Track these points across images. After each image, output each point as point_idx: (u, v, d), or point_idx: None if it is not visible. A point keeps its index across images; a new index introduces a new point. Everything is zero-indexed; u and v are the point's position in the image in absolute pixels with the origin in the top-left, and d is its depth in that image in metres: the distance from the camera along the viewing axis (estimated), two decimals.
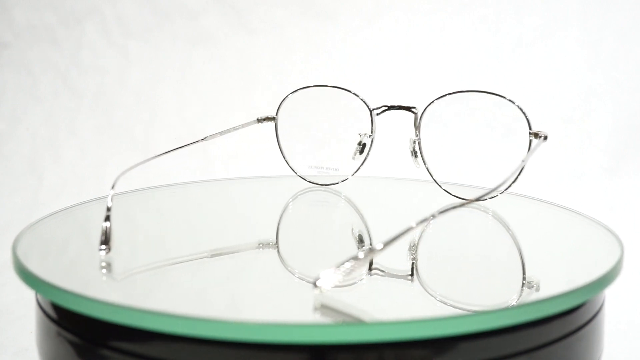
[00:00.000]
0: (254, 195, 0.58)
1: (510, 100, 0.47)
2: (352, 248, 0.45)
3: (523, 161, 0.44)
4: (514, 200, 0.51)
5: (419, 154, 0.50)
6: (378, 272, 0.40)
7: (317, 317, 0.34)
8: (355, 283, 0.39)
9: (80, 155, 0.88)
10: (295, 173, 0.55)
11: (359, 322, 0.35)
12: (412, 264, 0.42)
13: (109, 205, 0.43)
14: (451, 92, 0.49)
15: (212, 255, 0.44)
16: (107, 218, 0.43)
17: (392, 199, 0.56)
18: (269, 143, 0.57)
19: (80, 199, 0.58)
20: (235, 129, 0.54)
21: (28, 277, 0.38)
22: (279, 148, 0.55)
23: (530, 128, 0.46)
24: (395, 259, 0.42)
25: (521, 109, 0.46)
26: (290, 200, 0.54)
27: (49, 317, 0.39)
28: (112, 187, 0.44)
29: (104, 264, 0.41)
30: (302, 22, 0.88)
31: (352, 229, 0.48)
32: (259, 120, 0.54)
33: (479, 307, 0.38)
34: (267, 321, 0.33)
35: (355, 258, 0.35)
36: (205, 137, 0.53)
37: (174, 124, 0.88)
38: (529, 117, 0.46)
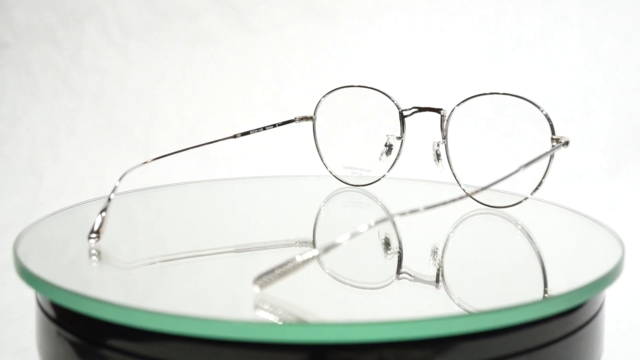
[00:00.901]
0: (284, 194, 0.58)
1: (534, 104, 0.46)
2: (380, 250, 0.45)
3: (522, 166, 0.43)
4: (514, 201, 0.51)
5: (443, 157, 0.49)
6: (407, 276, 0.40)
7: (256, 315, 0.35)
8: (381, 287, 0.39)
9: (80, 155, 0.88)
10: (331, 173, 0.54)
11: (297, 321, 0.35)
12: (438, 269, 0.42)
13: (111, 197, 0.43)
14: (476, 94, 0.48)
15: (238, 251, 0.44)
16: (104, 209, 0.43)
17: (422, 201, 0.55)
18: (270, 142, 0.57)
19: (80, 199, 0.58)
20: (272, 126, 0.53)
21: (28, 276, 0.38)
22: (316, 147, 0.54)
23: (553, 133, 0.45)
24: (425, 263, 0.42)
25: (544, 113, 0.45)
26: (325, 200, 0.53)
27: (49, 317, 0.39)
28: (120, 179, 0.45)
29: (109, 261, 0.41)
30: (302, 22, 0.88)
31: (379, 232, 0.47)
32: (298, 120, 0.54)
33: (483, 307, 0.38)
34: (266, 321, 0.33)
35: (293, 260, 0.35)
36: (236, 135, 0.52)
37: (174, 124, 0.88)
38: (552, 122, 0.45)
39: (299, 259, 0.35)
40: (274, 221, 0.51)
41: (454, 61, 0.85)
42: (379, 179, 0.53)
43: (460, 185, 0.49)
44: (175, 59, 0.90)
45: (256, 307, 0.35)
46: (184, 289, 0.40)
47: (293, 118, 0.54)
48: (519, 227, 0.47)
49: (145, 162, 0.50)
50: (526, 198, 0.47)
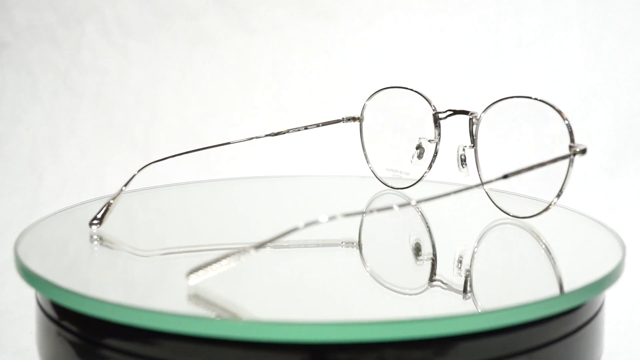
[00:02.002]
0: (327, 194, 0.57)
1: (557, 110, 0.44)
2: (414, 255, 0.45)
3: (522, 169, 0.43)
4: (516, 201, 0.51)
5: (467, 161, 0.48)
6: (440, 284, 0.40)
7: (190, 308, 0.36)
8: (415, 293, 0.38)
9: (80, 155, 0.88)
10: (375, 175, 0.54)
11: (231, 317, 0.35)
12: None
13: (123, 188, 0.45)
14: (504, 97, 0.46)
15: (274, 247, 0.44)
16: (114, 198, 0.44)
17: (456, 206, 0.54)
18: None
19: (80, 199, 0.57)
20: (316, 126, 0.53)
21: (29, 276, 0.38)
22: (362, 148, 0.54)
23: (572, 141, 0.43)
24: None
25: (567, 122, 0.44)
26: (369, 202, 0.53)
27: (49, 317, 0.39)
28: (139, 170, 0.45)
29: (123, 249, 0.41)
30: (302, 22, 0.88)
31: (410, 237, 0.47)
32: (344, 120, 0.53)
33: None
34: (266, 320, 0.33)
35: (227, 256, 0.36)
36: (277, 133, 0.52)
37: (174, 124, 0.88)
38: (572, 129, 0.44)
39: (232, 257, 0.36)
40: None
41: (454, 61, 0.85)
42: (415, 183, 0.52)
43: (485, 190, 0.47)
44: (175, 59, 0.90)
45: (190, 299, 0.36)
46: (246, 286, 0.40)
47: (340, 118, 0.53)
48: (531, 232, 0.47)
49: (167, 157, 0.50)
50: (548, 207, 0.45)
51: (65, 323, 0.38)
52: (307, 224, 0.37)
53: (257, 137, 0.53)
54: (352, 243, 0.46)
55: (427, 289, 0.39)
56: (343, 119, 0.54)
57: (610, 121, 0.81)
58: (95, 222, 0.46)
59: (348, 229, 0.48)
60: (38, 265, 0.39)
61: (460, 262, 0.43)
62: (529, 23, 0.84)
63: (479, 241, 0.46)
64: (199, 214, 0.53)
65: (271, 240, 0.37)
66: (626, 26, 0.82)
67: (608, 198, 0.78)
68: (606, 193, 0.79)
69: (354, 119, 0.54)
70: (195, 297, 0.36)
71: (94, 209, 0.48)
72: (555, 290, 0.39)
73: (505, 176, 0.41)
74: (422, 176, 0.51)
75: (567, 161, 0.43)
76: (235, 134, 0.87)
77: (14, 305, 0.67)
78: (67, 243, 0.46)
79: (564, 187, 0.44)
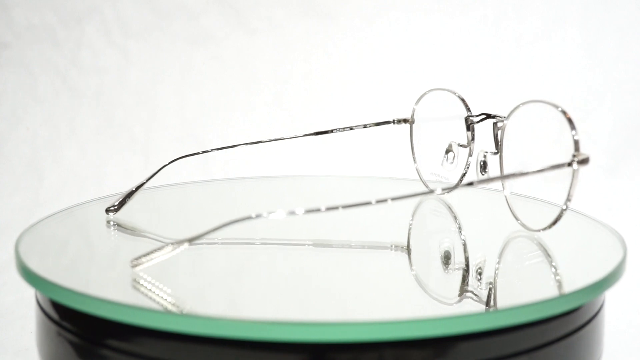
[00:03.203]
0: (368, 195, 0.57)
1: (567, 118, 0.42)
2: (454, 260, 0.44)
3: (510, 174, 0.42)
4: (517, 201, 0.51)
5: (489, 168, 0.46)
6: (472, 296, 0.39)
7: (132, 293, 0.37)
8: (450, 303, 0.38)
9: (80, 155, 0.88)
10: (420, 178, 0.53)
11: (166, 308, 0.36)
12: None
13: (147, 179, 0.47)
14: (526, 101, 0.45)
15: (316, 245, 0.45)
16: (140, 185, 0.44)
17: (493, 211, 0.53)
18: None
19: (80, 199, 0.58)
20: (363, 127, 0.52)
21: (30, 276, 0.38)
22: (412, 151, 0.53)
23: (576, 149, 0.41)
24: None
25: (574, 134, 0.42)
26: (416, 207, 0.52)
27: (49, 317, 0.39)
28: (171, 162, 0.48)
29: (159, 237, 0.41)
30: (302, 22, 0.88)
31: (440, 244, 0.46)
32: (396, 122, 0.52)
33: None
34: (266, 319, 0.33)
35: (165, 246, 0.38)
36: (320, 132, 0.51)
37: (174, 124, 0.88)
38: (577, 139, 0.42)
39: (169, 247, 0.38)
40: (362, 221, 0.50)
41: (453, 61, 0.85)
42: (453, 188, 0.50)
43: (505, 197, 0.46)
44: (175, 59, 0.90)
45: (133, 285, 0.38)
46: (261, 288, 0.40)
47: (390, 120, 0.52)
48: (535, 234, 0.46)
49: (195, 154, 0.50)
50: (561, 214, 0.44)
51: (65, 323, 0.38)
52: (242, 219, 0.38)
53: (298, 137, 0.52)
54: (402, 247, 0.45)
55: (457, 300, 0.39)
56: (394, 120, 0.52)
57: (611, 121, 0.81)
58: (112, 208, 0.47)
59: (395, 232, 0.48)
60: (38, 265, 0.39)
61: (478, 272, 0.43)
62: (529, 23, 0.84)
63: (500, 252, 0.45)
64: (198, 213, 0.53)
65: (206, 233, 0.38)
66: (626, 26, 0.82)
67: (607, 199, 0.78)
68: (606, 194, 0.79)
69: (404, 121, 0.52)
70: (136, 285, 0.38)
71: (94, 209, 0.48)
72: (556, 291, 0.39)
73: (470, 183, 0.40)
74: (458, 183, 0.49)
75: (570, 170, 0.42)
76: (235, 134, 0.87)
77: (14, 305, 0.67)
78: (68, 243, 0.46)
79: (569, 196, 0.42)
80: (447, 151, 0.50)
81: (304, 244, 0.46)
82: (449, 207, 0.51)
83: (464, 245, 0.47)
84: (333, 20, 0.87)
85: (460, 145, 0.49)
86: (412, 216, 0.51)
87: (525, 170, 0.41)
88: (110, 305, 0.35)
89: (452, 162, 0.50)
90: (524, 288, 0.40)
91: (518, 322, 0.34)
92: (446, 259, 0.44)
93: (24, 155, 0.89)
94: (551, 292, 0.39)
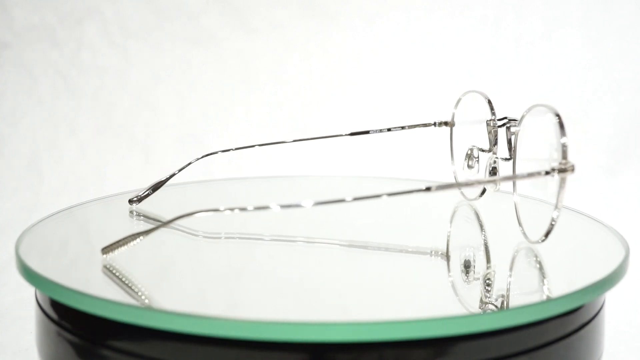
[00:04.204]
0: (402, 199, 0.55)
1: (561, 126, 0.40)
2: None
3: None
4: (534, 206, 0.50)
5: (499, 174, 0.45)
6: (493, 307, 0.39)
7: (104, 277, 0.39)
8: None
9: (80, 155, 0.88)
10: (456, 181, 0.51)
11: (135, 294, 0.37)
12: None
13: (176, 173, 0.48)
14: (535, 105, 0.43)
15: (349, 246, 0.45)
16: (167, 180, 0.47)
17: (544, 227, 0.52)
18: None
19: (80, 199, 0.58)
20: (401, 128, 0.51)
21: (30, 275, 0.38)
22: (451, 154, 0.52)
23: (563, 157, 0.39)
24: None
25: (563, 141, 0.40)
26: (453, 212, 0.51)
27: (49, 317, 0.39)
28: (200, 158, 0.49)
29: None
30: (302, 22, 0.88)
31: (461, 252, 0.45)
32: (437, 124, 0.51)
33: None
34: (266, 319, 0.33)
35: (134, 235, 0.40)
36: (356, 133, 0.50)
37: (174, 124, 0.88)
38: (565, 146, 0.39)
39: (138, 234, 0.40)
40: (395, 224, 0.50)
41: (453, 61, 0.85)
42: (482, 193, 0.49)
43: (515, 203, 0.45)
44: (175, 59, 0.90)
45: (104, 271, 0.39)
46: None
47: (432, 122, 0.51)
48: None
49: (225, 150, 0.50)
50: (552, 226, 0.42)
51: (65, 323, 0.38)
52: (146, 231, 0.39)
53: (336, 136, 0.51)
54: (442, 254, 0.44)
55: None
56: (435, 123, 0.51)
57: (611, 121, 0.81)
58: (135, 199, 0.48)
59: (421, 236, 0.47)
60: (38, 264, 0.39)
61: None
62: (529, 22, 0.84)
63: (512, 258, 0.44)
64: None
65: (172, 221, 0.40)
66: (626, 26, 0.82)
67: (607, 199, 0.78)
68: (606, 194, 0.79)
69: (445, 123, 0.51)
70: (108, 273, 0.39)
71: (94, 209, 0.48)
72: (556, 292, 0.39)
73: (428, 188, 0.39)
74: (483, 191, 0.48)
75: (558, 178, 0.40)
76: (235, 134, 0.87)
77: (14, 305, 0.67)
78: (68, 243, 0.46)
79: (557, 204, 0.40)
80: (468, 156, 0.48)
81: (302, 242, 0.46)
82: (477, 213, 0.50)
83: (483, 249, 0.46)
84: (333, 20, 0.87)
85: (482, 150, 0.48)
86: (421, 218, 0.51)
87: (507, 176, 0.41)
88: (110, 305, 0.35)
89: (473, 167, 0.48)
90: (525, 288, 0.40)
91: (518, 323, 0.34)
92: (466, 267, 0.43)
93: (24, 155, 0.89)
94: (552, 292, 0.39)
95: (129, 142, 0.88)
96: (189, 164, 0.50)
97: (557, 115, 0.40)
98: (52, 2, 0.92)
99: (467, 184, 0.43)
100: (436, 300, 0.38)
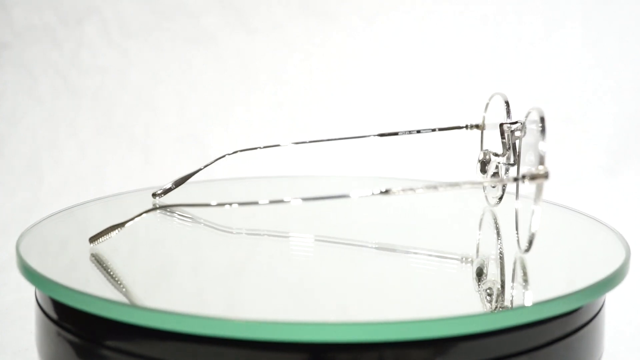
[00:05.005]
0: (421, 202, 0.55)
1: (542, 133, 0.39)
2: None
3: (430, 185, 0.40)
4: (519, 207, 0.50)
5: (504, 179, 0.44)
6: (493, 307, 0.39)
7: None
8: None
9: (80, 155, 0.88)
10: (482, 185, 0.50)
11: (116, 281, 0.38)
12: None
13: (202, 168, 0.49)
14: (533, 108, 0.41)
15: (380, 249, 0.45)
16: (191, 175, 0.48)
17: (545, 227, 0.51)
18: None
19: (80, 199, 0.57)
20: (432, 130, 0.50)
21: (31, 274, 0.38)
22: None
23: (540, 163, 0.38)
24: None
25: (541, 149, 0.39)
26: (481, 216, 0.51)
27: (49, 317, 0.39)
28: (227, 155, 0.50)
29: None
30: (302, 22, 0.88)
31: (474, 259, 0.45)
32: (469, 127, 0.49)
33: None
34: (266, 320, 0.33)
35: (118, 224, 0.42)
36: (386, 134, 0.50)
37: (174, 124, 0.88)
38: (544, 156, 0.38)
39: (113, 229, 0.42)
40: (394, 225, 0.50)
41: (453, 61, 0.85)
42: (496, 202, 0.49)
43: (515, 210, 0.43)
44: (175, 59, 0.90)
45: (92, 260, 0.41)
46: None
47: (463, 125, 0.49)
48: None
49: (254, 148, 0.51)
50: (532, 237, 0.41)
51: (65, 323, 0.38)
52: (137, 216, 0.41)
53: (364, 136, 0.51)
54: (471, 260, 0.43)
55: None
56: (466, 126, 0.50)
57: (611, 121, 0.81)
58: (159, 192, 0.49)
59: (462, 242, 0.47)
60: (39, 264, 0.39)
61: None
62: (529, 22, 0.84)
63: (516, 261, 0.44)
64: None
65: (136, 217, 0.41)
66: (626, 26, 0.82)
67: (607, 199, 0.78)
68: (606, 194, 0.79)
69: (476, 126, 0.50)
70: (96, 262, 0.40)
71: (94, 209, 0.48)
72: (557, 292, 0.39)
73: (386, 191, 0.38)
74: (502, 195, 0.48)
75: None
76: (235, 134, 0.87)
77: (14, 305, 0.67)
78: (68, 243, 0.46)
79: (534, 211, 0.39)
80: (482, 162, 0.47)
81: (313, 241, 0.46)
82: (495, 217, 0.50)
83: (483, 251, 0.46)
84: (333, 20, 0.87)
85: (495, 155, 0.47)
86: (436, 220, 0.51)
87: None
88: (110, 305, 0.35)
89: (487, 172, 0.47)
90: (526, 288, 0.40)
91: (518, 323, 0.34)
92: (479, 274, 0.42)
93: (24, 155, 0.89)
94: (552, 292, 0.39)
95: (129, 142, 0.88)
96: (215, 160, 0.50)
97: (542, 119, 0.39)
98: (52, 2, 0.92)
99: (429, 187, 0.41)
100: (436, 301, 0.38)
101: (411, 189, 0.39)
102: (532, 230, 0.39)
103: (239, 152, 0.51)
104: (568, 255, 0.44)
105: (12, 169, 0.88)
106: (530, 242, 0.40)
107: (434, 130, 0.50)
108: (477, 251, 0.46)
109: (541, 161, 0.38)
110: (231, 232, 0.47)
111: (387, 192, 0.38)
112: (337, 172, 0.83)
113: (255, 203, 0.40)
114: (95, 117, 0.90)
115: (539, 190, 0.38)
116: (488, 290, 0.40)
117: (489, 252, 0.46)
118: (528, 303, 0.36)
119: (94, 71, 0.91)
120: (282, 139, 0.85)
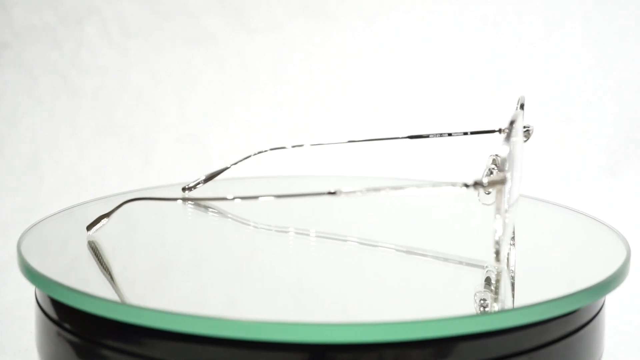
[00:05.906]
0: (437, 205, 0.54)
1: (506, 138, 0.38)
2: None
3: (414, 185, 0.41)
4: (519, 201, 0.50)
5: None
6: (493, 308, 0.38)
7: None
8: None
9: (80, 155, 0.88)
10: (426, 187, 0.51)
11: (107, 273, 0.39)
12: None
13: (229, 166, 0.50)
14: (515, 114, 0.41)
15: (400, 251, 0.44)
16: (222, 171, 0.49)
17: (545, 227, 0.50)
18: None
19: (80, 199, 0.57)
20: (463, 134, 0.48)
21: (32, 274, 0.38)
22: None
23: (500, 170, 0.37)
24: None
25: (507, 144, 0.37)
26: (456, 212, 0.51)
27: (49, 317, 0.39)
28: (255, 154, 0.50)
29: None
30: (302, 22, 0.88)
31: (485, 265, 0.44)
32: (501, 131, 0.47)
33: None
34: (266, 320, 0.33)
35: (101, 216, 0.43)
36: (417, 136, 0.49)
37: (174, 124, 0.88)
38: (503, 158, 0.37)
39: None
40: (395, 225, 0.50)
41: (453, 61, 0.85)
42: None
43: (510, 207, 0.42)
44: (175, 59, 0.90)
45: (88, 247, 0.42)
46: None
47: (496, 129, 0.47)
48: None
49: (281, 147, 0.51)
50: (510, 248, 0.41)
51: (65, 323, 0.38)
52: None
53: (396, 138, 0.50)
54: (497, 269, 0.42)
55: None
56: (500, 130, 0.47)
57: (611, 121, 0.81)
58: (189, 187, 0.50)
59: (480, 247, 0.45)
60: (39, 264, 0.39)
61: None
62: (530, 22, 0.84)
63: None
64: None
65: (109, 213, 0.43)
66: (626, 26, 0.82)
67: (607, 199, 0.78)
68: (605, 194, 0.79)
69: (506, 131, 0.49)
70: (93, 251, 0.41)
71: (94, 209, 0.48)
72: (557, 292, 0.39)
73: (333, 192, 0.37)
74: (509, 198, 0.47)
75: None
76: (235, 134, 0.87)
77: (14, 305, 0.67)
78: (68, 243, 0.46)
79: (495, 218, 0.37)
80: (488, 168, 0.46)
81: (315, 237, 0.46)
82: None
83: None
84: (333, 20, 0.87)
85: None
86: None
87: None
88: (110, 305, 0.35)
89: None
90: (526, 288, 0.40)
91: (518, 324, 0.34)
92: (487, 281, 0.41)
93: (24, 155, 0.89)
94: (552, 293, 0.39)
95: (129, 142, 0.88)
96: (247, 157, 0.51)
97: (510, 124, 0.38)
98: (52, 2, 0.92)
99: (372, 190, 0.40)
100: (436, 301, 0.38)
101: (360, 191, 0.39)
102: (496, 238, 0.36)
103: (269, 151, 0.52)
104: (568, 255, 0.44)
105: (12, 169, 0.88)
106: (497, 252, 0.37)
107: (465, 133, 0.48)
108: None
109: (501, 167, 0.36)
110: (246, 227, 0.47)
111: (334, 193, 0.38)
112: (354, 172, 0.82)
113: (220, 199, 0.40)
114: (95, 117, 0.90)
115: (499, 195, 0.36)
116: (482, 302, 0.39)
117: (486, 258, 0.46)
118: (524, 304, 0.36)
119: (94, 71, 0.91)
120: (282, 139, 0.85)
